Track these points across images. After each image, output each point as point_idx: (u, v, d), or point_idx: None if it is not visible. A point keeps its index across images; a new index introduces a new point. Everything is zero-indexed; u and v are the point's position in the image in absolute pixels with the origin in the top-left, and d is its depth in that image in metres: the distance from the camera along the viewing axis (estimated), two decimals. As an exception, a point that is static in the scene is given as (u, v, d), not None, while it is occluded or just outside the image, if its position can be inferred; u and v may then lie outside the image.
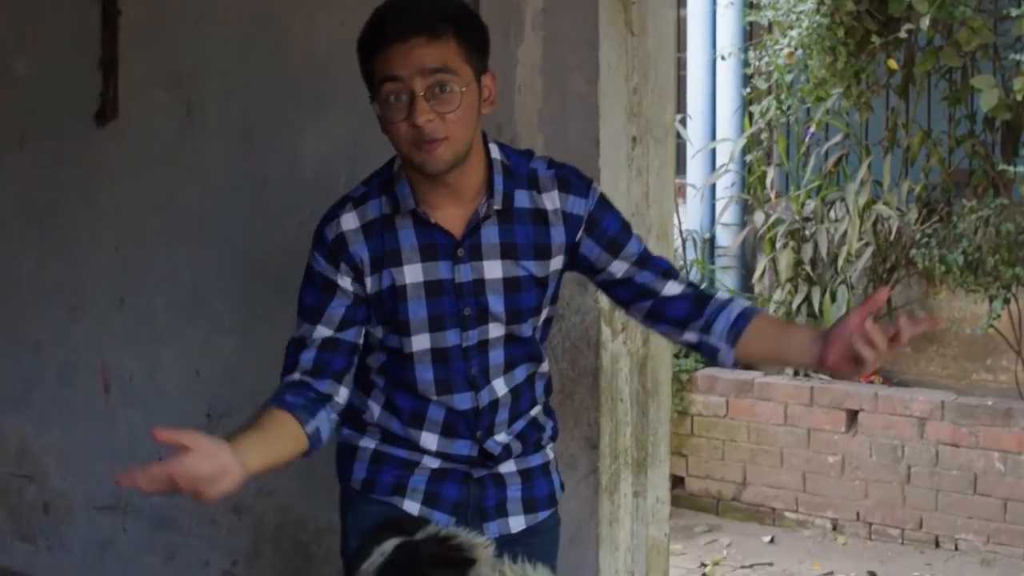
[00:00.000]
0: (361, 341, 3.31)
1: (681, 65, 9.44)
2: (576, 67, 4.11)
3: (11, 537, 6.09)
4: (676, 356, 8.46)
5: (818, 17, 7.83)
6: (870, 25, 7.82)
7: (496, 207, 3.22)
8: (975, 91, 7.60)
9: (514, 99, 4.24)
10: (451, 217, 3.23)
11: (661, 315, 3.38)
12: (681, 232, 9.02)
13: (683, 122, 9.22)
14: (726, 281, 8.93)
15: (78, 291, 5.73)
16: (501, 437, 3.42)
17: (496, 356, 3.34)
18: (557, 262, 3.32)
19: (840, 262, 8.11)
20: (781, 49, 8.28)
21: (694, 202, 9.13)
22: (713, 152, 9.09)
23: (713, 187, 9.08)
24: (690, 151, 9.20)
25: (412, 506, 3.37)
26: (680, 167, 9.30)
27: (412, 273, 3.22)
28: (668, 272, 3.40)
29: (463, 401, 3.34)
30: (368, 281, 3.24)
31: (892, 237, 8.10)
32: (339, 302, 3.26)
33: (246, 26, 5.10)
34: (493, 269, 3.25)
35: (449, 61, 3.07)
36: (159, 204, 5.43)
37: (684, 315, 3.36)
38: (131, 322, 5.57)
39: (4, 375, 6.04)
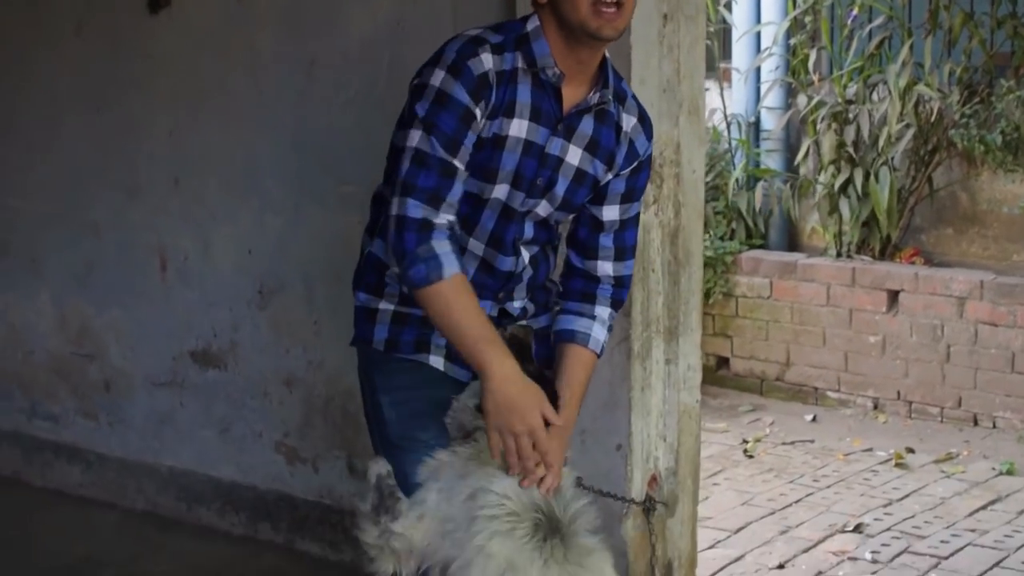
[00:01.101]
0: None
1: (725, -50, 9.47)
2: (609, -53, 4.20)
3: (74, 414, 6.28)
4: (721, 238, 8.59)
5: None
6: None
7: (608, 99, 3.47)
8: (1017, -29, 7.58)
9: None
10: (567, 93, 3.45)
11: (568, 265, 3.72)
12: (726, 115, 9.07)
13: (728, 6, 9.24)
14: (770, 163, 8.96)
15: (135, 174, 5.87)
16: (518, 302, 3.64)
17: (529, 229, 3.56)
18: (607, 179, 3.58)
19: (881, 143, 8.16)
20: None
21: (739, 85, 9.14)
22: (758, 36, 9.07)
23: (758, 71, 9.06)
24: (735, 35, 9.20)
25: (437, 361, 3.53)
26: (725, 51, 9.34)
27: (518, 127, 3.42)
28: (621, 252, 3.68)
29: (505, 263, 3.54)
30: (485, 124, 3.39)
31: (933, 119, 8.13)
32: (471, 137, 3.37)
33: (293, -93, 5.22)
34: (574, 155, 3.50)
35: None
36: (211, 88, 5.56)
37: (570, 286, 3.70)
38: (186, 203, 5.72)
39: (65, 257, 6.20)
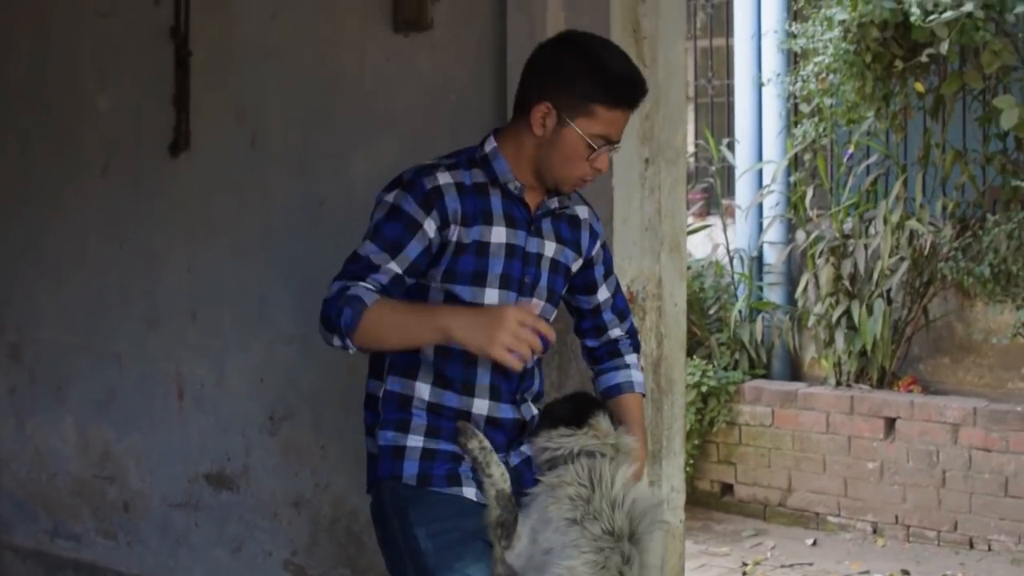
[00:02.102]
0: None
1: (729, 91, 9.81)
2: (592, 97, 4.52)
3: (94, 534, 6.48)
4: (724, 368, 8.85)
5: (844, 44, 8.17)
6: (895, 50, 8.15)
7: (567, 204, 3.88)
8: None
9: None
10: (529, 199, 3.79)
11: (587, 349, 4.14)
12: (728, 250, 9.36)
13: (730, 146, 9.57)
14: (772, 295, 9.25)
15: (155, 306, 6.14)
16: (531, 407, 3.88)
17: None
18: (578, 264, 3.94)
19: (876, 276, 8.43)
20: (813, 75, 8.64)
21: (741, 221, 9.46)
22: (760, 174, 9.40)
23: (760, 207, 9.39)
24: (737, 173, 9.52)
25: (470, 492, 3.71)
26: (728, 189, 9.66)
27: (498, 233, 3.71)
28: (622, 315, 4.14)
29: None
30: (456, 231, 3.65)
31: (927, 252, 8.41)
32: (417, 245, 3.60)
33: (302, 63, 5.54)
34: (549, 248, 3.84)
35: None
36: (227, 225, 5.85)
37: (597, 355, 4.12)
38: (202, 334, 5.97)
39: (89, 385, 6.46)
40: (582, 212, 3.95)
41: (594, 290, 4.03)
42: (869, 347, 8.43)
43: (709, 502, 8.94)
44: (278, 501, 5.76)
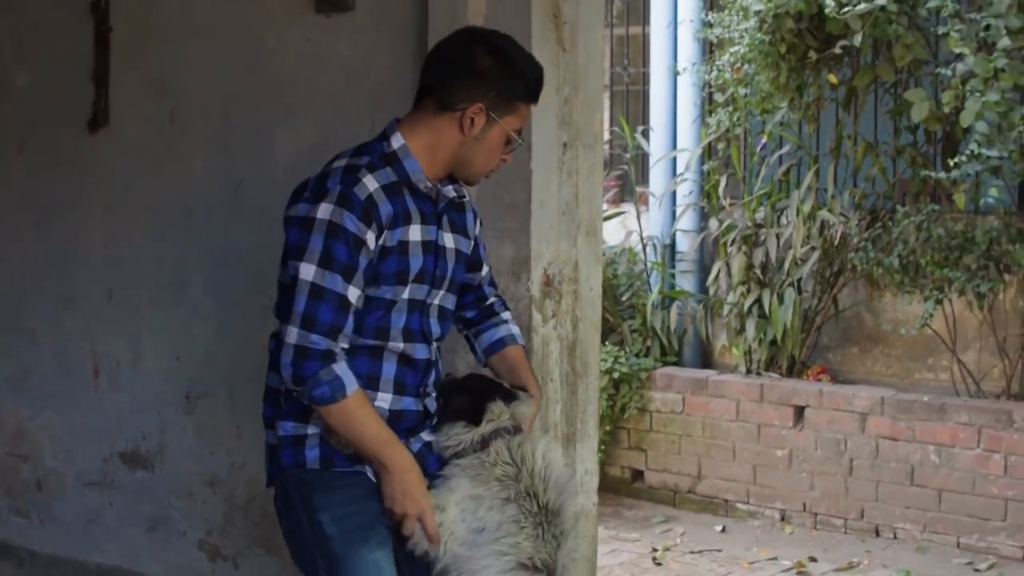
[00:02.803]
0: None
1: (644, 80, 9.88)
2: (512, 81, 4.56)
3: (7, 512, 6.46)
4: (636, 355, 8.92)
5: (760, 34, 8.27)
6: (810, 42, 8.25)
7: (463, 192, 3.94)
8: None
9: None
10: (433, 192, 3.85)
11: (463, 319, 4.22)
12: (642, 238, 9.43)
13: (645, 133, 9.64)
14: (684, 284, 9.34)
15: (71, 284, 6.12)
16: (431, 400, 3.94)
17: (435, 324, 3.93)
18: (471, 247, 4.02)
19: (787, 265, 8.54)
20: (729, 65, 8.74)
21: (655, 209, 9.53)
22: (674, 162, 9.47)
23: (673, 195, 9.46)
24: (651, 161, 9.60)
25: (372, 472, 3.77)
26: (643, 176, 9.73)
27: (415, 231, 3.76)
28: (492, 281, 4.28)
29: (421, 351, 3.85)
30: (385, 236, 3.69)
31: (837, 242, 8.53)
32: (363, 259, 3.63)
33: (223, 41, 5.54)
34: (450, 240, 3.91)
35: None
36: (145, 204, 5.84)
37: (472, 318, 4.21)
38: (119, 312, 5.96)
39: (3, 363, 6.42)
40: (466, 192, 4.01)
41: (479, 267, 4.12)
42: (779, 336, 8.54)
43: (620, 488, 9.01)
44: (193, 480, 5.77)
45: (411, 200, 3.76)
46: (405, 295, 3.77)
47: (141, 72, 5.82)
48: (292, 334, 3.61)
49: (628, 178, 9.82)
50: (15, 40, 6.27)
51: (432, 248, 3.81)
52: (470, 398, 3.93)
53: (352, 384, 3.62)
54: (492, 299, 4.20)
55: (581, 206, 4.84)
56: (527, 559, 3.74)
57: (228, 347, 5.60)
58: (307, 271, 3.61)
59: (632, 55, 10.38)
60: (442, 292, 3.90)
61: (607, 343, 8.91)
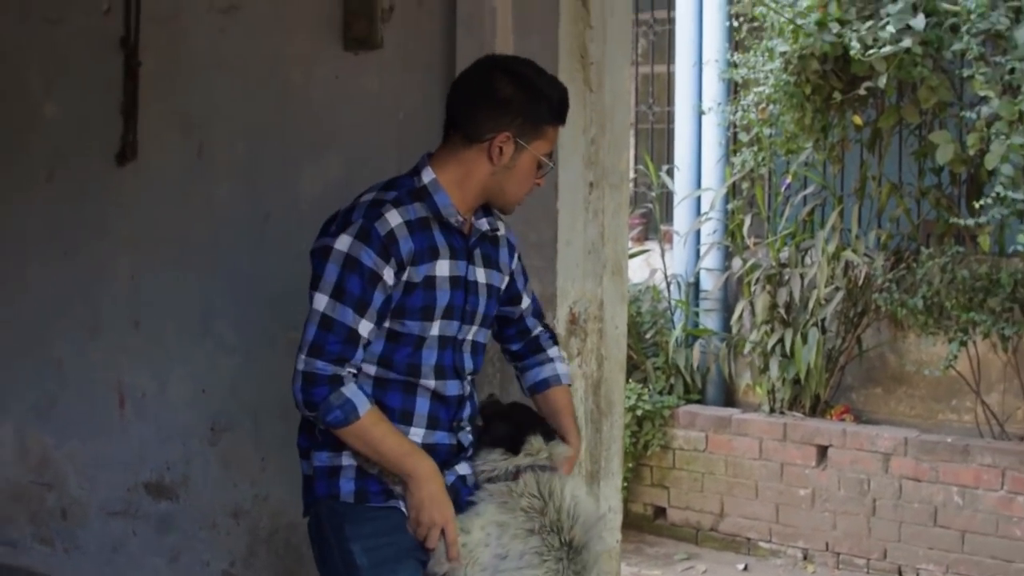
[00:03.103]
0: None
1: (669, 118, 9.90)
2: (539, 120, 4.58)
3: (31, 540, 6.50)
4: (660, 393, 8.92)
5: (785, 75, 8.29)
6: (835, 83, 8.26)
7: (497, 225, 3.96)
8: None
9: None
10: (465, 226, 3.87)
11: (511, 352, 4.25)
12: (666, 275, 9.44)
13: (670, 172, 9.66)
14: (708, 323, 9.34)
15: (97, 314, 6.17)
16: (467, 433, 3.95)
17: (468, 359, 3.94)
18: (505, 282, 4.03)
19: (811, 305, 8.53)
20: (754, 105, 8.75)
21: (679, 247, 9.53)
22: (698, 201, 9.47)
23: (698, 234, 9.46)
24: (676, 200, 9.61)
25: (405, 506, 3.78)
26: (667, 215, 9.75)
27: (442, 267, 3.77)
28: (539, 314, 4.25)
29: (453, 388, 3.86)
30: (409, 271, 3.71)
31: (861, 283, 8.52)
32: (379, 295, 3.66)
33: (251, 76, 5.60)
34: (482, 275, 3.92)
35: None
36: (172, 236, 5.90)
37: (516, 350, 4.22)
38: (145, 343, 6.01)
39: (29, 391, 6.48)
40: (502, 227, 4.03)
41: (518, 301, 4.12)
42: (803, 375, 8.53)
43: (642, 525, 8.99)
44: (217, 511, 5.81)
45: (440, 235, 3.77)
46: (434, 331, 3.78)
47: (169, 106, 5.88)
48: (301, 361, 3.66)
49: (653, 216, 9.83)
50: (45, 72, 6.34)
51: (461, 283, 3.82)
52: (512, 428, 3.96)
53: (364, 404, 3.65)
54: (537, 331, 4.19)
55: (607, 245, 4.87)
56: None
57: (253, 380, 5.63)
58: (320, 301, 3.66)
59: (657, 94, 10.41)
60: (475, 327, 3.90)
61: (631, 380, 8.92)
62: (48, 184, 6.35)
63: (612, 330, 4.92)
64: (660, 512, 8.99)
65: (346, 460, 3.80)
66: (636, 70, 10.26)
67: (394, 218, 3.69)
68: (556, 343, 4.24)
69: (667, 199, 9.82)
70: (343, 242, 3.66)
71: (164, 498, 5.98)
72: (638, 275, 9.69)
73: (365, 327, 3.66)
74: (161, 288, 5.95)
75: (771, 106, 8.58)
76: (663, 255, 9.49)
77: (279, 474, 5.53)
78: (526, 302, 4.15)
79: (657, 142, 10.32)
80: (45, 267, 6.39)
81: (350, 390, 3.64)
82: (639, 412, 8.71)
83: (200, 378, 5.84)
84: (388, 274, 3.66)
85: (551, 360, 4.16)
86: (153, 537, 6.04)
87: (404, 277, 3.70)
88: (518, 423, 3.99)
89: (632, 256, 9.45)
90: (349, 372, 3.67)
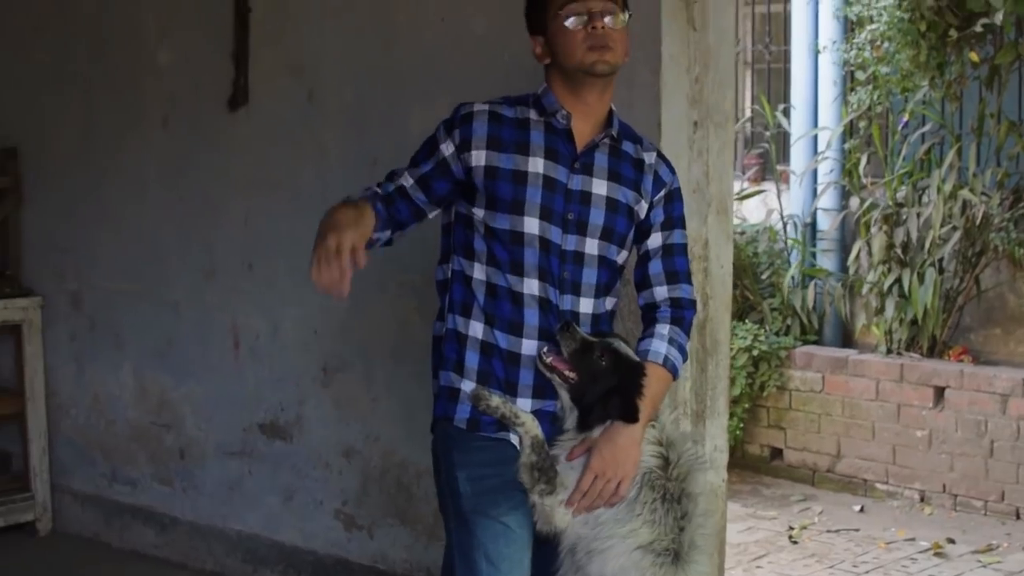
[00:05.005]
0: (426, 212, 4.00)
1: (786, 58, 9.83)
2: (642, 60, 4.54)
3: (151, 480, 6.67)
4: (776, 334, 8.89)
5: (899, 12, 8.18)
6: (950, 19, 8.14)
7: (612, 134, 3.93)
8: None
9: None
10: (578, 133, 3.90)
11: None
12: (782, 216, 9.39)
13: (786, 112, 9.59)
14: (825, 263, 9.28)
15: (212, 257, 6.29)
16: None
17: (590, 274, 3.92)
18: (643, 207, 3.98)
19: (928, 245, 8.45)
20: (867, 43, 8.65)
21: (796, 187, 9.48)
22: (815, 140, 9.41)
23: (814, 173, 9.41)
24: (792, 139, 9.55)
25: (516, 439, 3.84)
26: (784, 155, 9.69)
27: (535, 164, 3.86)
28: (672, 276, 4.04)
29: (556, 296, 3.87)
30: (483, 155, 3.86)
31: (979, 222, 8.42)
32: (430, 163, 3.94)
33: (359, 20, 5.64)
34: (600, 187, 3.92)
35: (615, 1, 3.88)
36: (283, 179, 5.97)
37: (640, 306, 4.10)
38: (258, 285, 6.11)
39: (148, 334, 6.62)
40: (649, 157, 4.01)
41: (647, 235, 4.01)
42: (920, 316, 8.46)
43: (759, 466, 9.00)
44: (329, 451, 5.91)
45: (541, 136, 3.88)
46: (527, 228, 3.84)
47: (279, 51, 5.95)
48: None
49: (769, 156, 9.77)
50: (159, 20, 6.44)
51: (559, 188, 3.86)
52: (624, 399, 3.84)
53: (365, 194, 4.01)
54: (662, 295, 4.02)
55: (712, 184, 4.86)
56: (646, 543, 3.78)
57: (363, 322, 5.70)
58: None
59: (774, 32, 10.32)
60: (587, 239, 3.90)
61: (747, 320, 8.91)
62: (163, 129, 6.45)
63: (717, 269, 4.92)
64: (777, 453, 8.99)
65: (466, 385, 3.88)
66: (752, 9, 10.18)
67: (480, 107, 3.95)
68: (678, 323, 4.02)
69: (784, 139, 9.75)
70: None
71: (278, 438, 6.08)
72: (755, 215, 9.66)
73: (408, 180, 3.98)
74: (273, 230, 6.03)
75: (885, 44, 8.48)
76: (779, 195, 9.43)
77: (389, 414, 5.61)
78: (655, 242, 4.00)
79: (775, 81, 10.25)
80: (161, 211, 6.51)
81: (369, 191, 4.08)
82: (755, 353, 8.70)
83: (312, 320, 5.92)
84: (447, 147, 3.93)
85: (652, 336, 3.98)
86: (268, 477, 6.16)
87: (476, 160, 3.87)
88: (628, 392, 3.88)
89: (748, 196, 9.47)
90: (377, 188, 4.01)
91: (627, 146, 3.97)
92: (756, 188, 9.66)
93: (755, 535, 7.69)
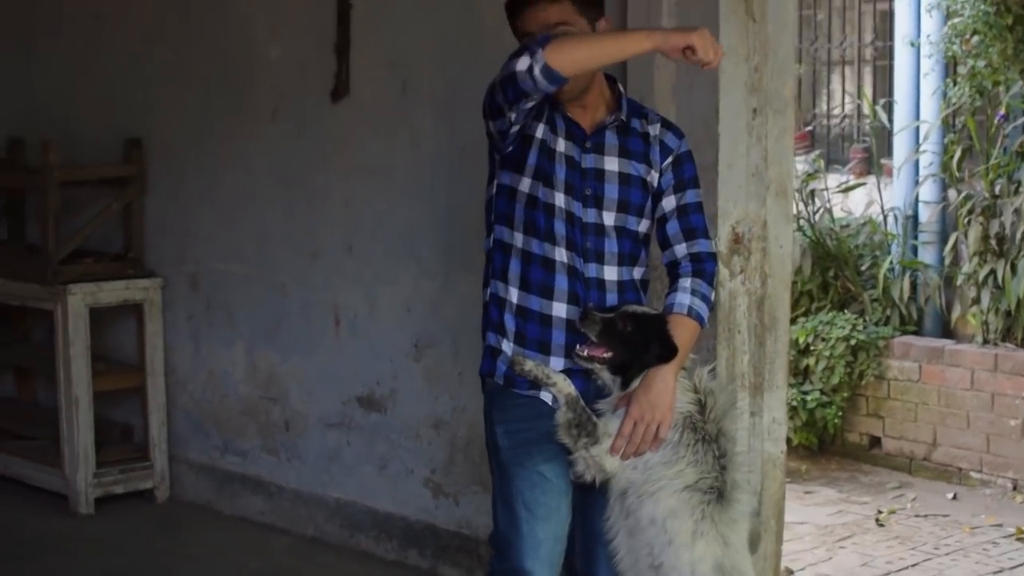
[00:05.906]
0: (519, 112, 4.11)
1: (889, 54, 9.98)
2: (702, 50, 4.86)
3: (259, 450, 7.04)
4: (876, 324, 9.04)
5: (983, 6, 8.29)
6: (1036, 12, 8.26)
7: (622, 118, 4.20)
8: None
9: (653, 75, 5.07)
10: (586, 123, 4.20)
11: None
12: (883, 208, 9.53)
13: (889, 106, 9.74)
14: (926, 255, 9.36)
15: (315, 240, 6.64)
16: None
17: (611, 244, 4.21)
18: (654, 177, 4.25)
19: (1020, 237, 8.55)
20: (956, 36, 8.76)
21: (897, 180, 9.60)
22: (916, 133, 9.51)
23: (916, 166, 9.50)
24: (894, 132, 9.70)
25: (547, 396, 4.15)
26: (888, 149, 9.83)
27: (560, 144, 4.17)
28: (689, 233, 4.26)
29: (589, 269, 4.17)
30: (541, 127, 4.14)
31: (1076, 214, 8.51)
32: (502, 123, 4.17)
33: (450, 17, 5.99)
34: (612, 163, 4.21)
35: (566, 16, 4.12)
36: (380, 166, 6.32)
37: (665, 264, 4.32)
38: (357, 266, 6.46)
39: (257, 313, 6.99)
40: (654, 129, 4.26)
41: (659, 199, 4.25)
42: (1013, 307, 8.55)
43: (858, 454, 9.11)
44: (420, 423, 6.25)
45: (562, 120, 4.17)
46: (557, 202, 4.12)
47: (377, 45, 6.28)
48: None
49: (871, 151, 9.91)
50: (268, 18, 6.81)
51: (576, 167, 4.16)
52: (659, 343, 4.10)
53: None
54: (682, 252, 4.23)
55: (771, 168, 5.13)
56: (692, 483, 4.06)
57: (453, 300, 6.02)
58: None
59: (880, 27, 10.49)
60: (605, 212, 4.17)
61: (847, 311, 9.07)
62: (272, 122, 6.81)
63: (776, 249, 5.18)
64: (875, 442, 9.09)
65: (505, 346, 4.22)
66: (874, 6, 10.33)
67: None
68: (701, 276, 4.24)
69: (888, 133, 9.89)
70: None
71: (374, 410, 6.42)
72: (860, 208, 9.79)
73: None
74: (371, 215, 6.38)
75: (974, 37, 8.58)
76: (880, 187, 9.57)
77: (475, 387, 5.80)
78: (669, 204, 4.23)
79: (881, 77, 10.40)
80: (269, 198, 6.87)
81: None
82: (853, 342, 8.84)
83: (405, 298, 6.25)
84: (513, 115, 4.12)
85: (675, 290, 4.21)
86: (364, 447, 6.49)
87: (535, 130, 4.16)
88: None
89: (850, 189, 9.64)
90: None
91: (635, 123, 4.24)
92: (858, 181, 9.81)
93: (844, 518, 7.84)
